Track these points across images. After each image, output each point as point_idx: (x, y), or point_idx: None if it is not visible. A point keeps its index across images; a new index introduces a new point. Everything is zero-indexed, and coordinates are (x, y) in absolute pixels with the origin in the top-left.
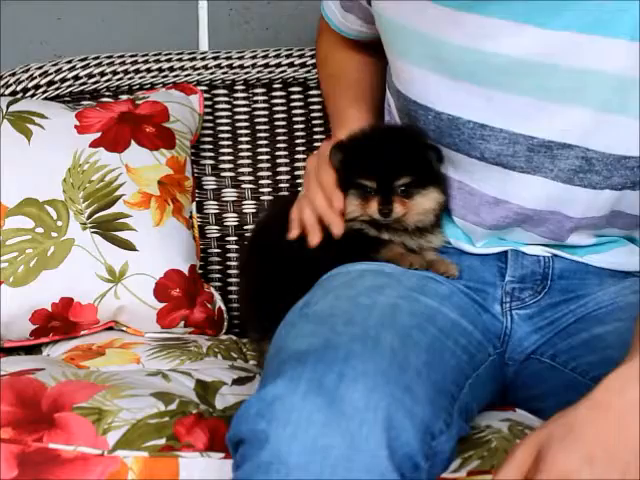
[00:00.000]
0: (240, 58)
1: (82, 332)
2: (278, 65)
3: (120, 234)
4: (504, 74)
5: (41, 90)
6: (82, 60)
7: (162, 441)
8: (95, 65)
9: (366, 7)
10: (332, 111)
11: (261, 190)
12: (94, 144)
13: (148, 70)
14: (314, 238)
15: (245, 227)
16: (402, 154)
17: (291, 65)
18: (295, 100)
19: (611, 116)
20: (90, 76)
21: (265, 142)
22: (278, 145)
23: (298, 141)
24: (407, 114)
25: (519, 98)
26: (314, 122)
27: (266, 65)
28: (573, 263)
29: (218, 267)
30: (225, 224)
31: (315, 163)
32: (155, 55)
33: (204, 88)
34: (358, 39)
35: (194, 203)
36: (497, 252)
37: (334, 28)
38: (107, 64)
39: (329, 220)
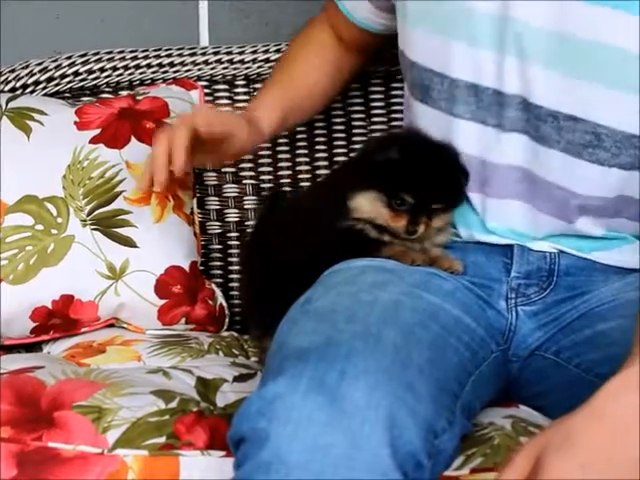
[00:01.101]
0: (241, 53)
1: (82, 329)
2: (279, 60)
3: (120, 231)
4: (520, 42)
5: (41, 86)
6: (82, 56)
7: (162, 439)
8: (95, 61)
9: None
10: (266, 88)
11: (262, 186)
12: (94, 140)
13: (148, 66)
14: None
15: (246, 223)
16: (445, 179)
17: None
18: None
19: (622, 93)
20: (90, 72)
21: None
22: (279, 140)
23: (299, 136)
24: (421, 85)
25: (533, 66)
26: (315, 117)
27: (267, 60)
28: (579, 260)
29: (219, 263)
30: (226, 220)
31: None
32: (155, 50)
33: (204, 83)
34: (361, 26)
35: (195, 199)
36: (503, 245)
37: (341, 8)
38: (107, 60)
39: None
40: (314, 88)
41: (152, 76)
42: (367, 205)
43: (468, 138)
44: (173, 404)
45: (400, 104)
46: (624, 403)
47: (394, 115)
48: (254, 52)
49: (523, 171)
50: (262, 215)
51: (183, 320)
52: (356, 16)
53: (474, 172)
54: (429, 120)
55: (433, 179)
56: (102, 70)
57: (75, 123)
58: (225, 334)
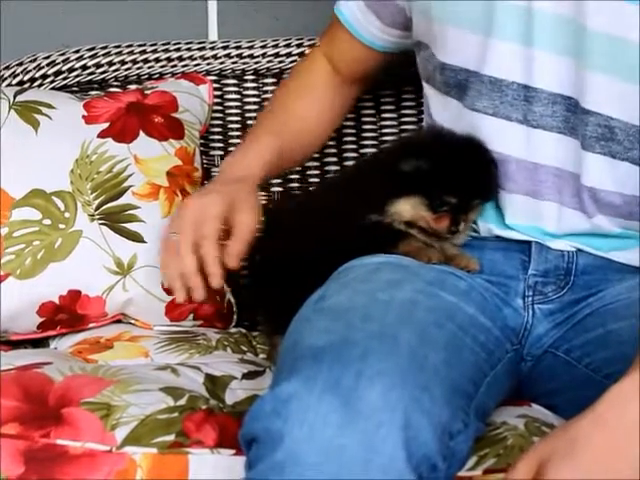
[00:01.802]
0: (250, 48)
1: (90, 325)
2: (289, 55)
3: (128, 226)
4: (543, 32)
5: (48, 80)
6: (90, 50)
7: (171, 437)
8: (103, 55)
9: (394, 2)
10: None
11: (271, 181)
12: (102, 135)
13: (157, 60)
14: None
15: None
16: (480, 174)
17: (301, 55)
18: None
19: (636, 86)
20: (98, 66)
21: None
22: None
23: None
24: (455, 86)
25: (558, 58)
26: None
27: (276, 55)
28: (597, 259)
29: None
30: None
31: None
32: (164, 45)
33: (213, 78)
34: (369, 45)
35: None
36: (521, 242)
37: (347, 26)
38: (115, 54)
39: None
40: (307, 137)
41: (160, 70)
42: (409, 210)
43: (508, 137)
44: (182, 401)
45: (410, 106)
46: (628, 410)
47: (404, 119)
48: (263, 47)
49: (555, 168)
50: (271, 214)
51: (191, 316)
52: (364, 34)
53: (511, 171)
54: (462, 118)
55: (471, 176)
56: (110, 64)
57: (83, 117)
58: (233, 330)
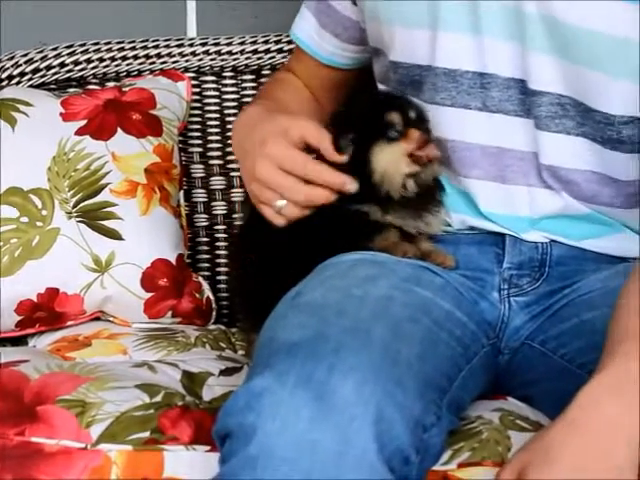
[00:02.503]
0: (228, 44)
1: (68, 323)
2: (267, 51)
3: (106, 223)
4: (490, 20)
5: (26, 78)
6: (68, 47)
7: (146, 434)
8: (81, 52)
9: (344, 13)
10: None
11: None
12: (80, 132)
13: (135, 57)
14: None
15: (234, 215)
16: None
17: (280, 51)
18: None
19: (586, 70)
20: (76, 63)
21: None
22: None
23: None
24: (410, 83)
25: (506, 43)
26: None
27: (255, 51)
28: (571, 249)
29: (206, 256)
30: (213, 212)
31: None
32: (142, 42)
33: (192, 75)
34: (329, 64)
35: (182, 191)
36: (495, 234)
37: (306, 49)
38: (94, 51)
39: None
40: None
41: (139, 67)
42: (388, 158)
43: (469, 125)
44: (158, 398)
45: None
46: (599, 411)
47: None
48: (242, 43)
49: (518, 151)
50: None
51: (170, 313)
52: (322, 53)
53: (459, 160)
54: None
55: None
56: (88, 61)
57: (61, 114)
58: (212, 327)
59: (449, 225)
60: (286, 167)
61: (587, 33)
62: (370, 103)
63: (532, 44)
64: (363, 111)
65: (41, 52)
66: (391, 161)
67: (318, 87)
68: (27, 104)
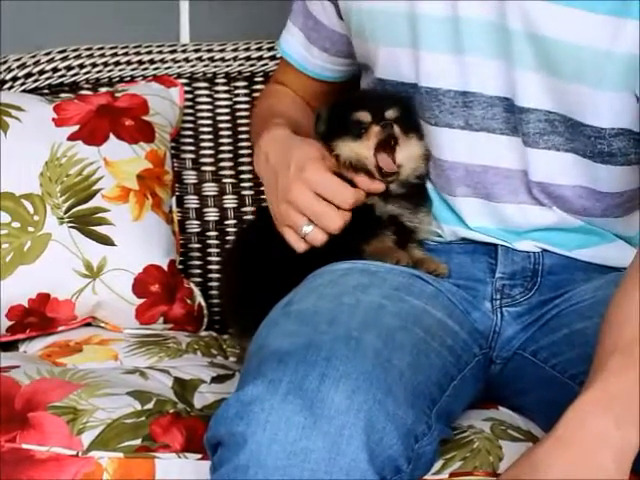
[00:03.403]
0: (221, 51)
1: (59, 328)
2: (260, 58)
3: (98, 229)
4: (472, 38)
5: (19, 82)
6: (61, 52)
7: (138, 441)
8: (74, 57)
9: (332, 27)
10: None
11: (242, 185)
12: (72, 137)
13: (128, 62)
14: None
15: (226, 222)
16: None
17: (273, 58)
18: None
19: (572, 85)
20: (69, 68)
21: (246, 136)
22: None
23: None
24: None
25: (489, 61)
26: None
27: (248, 58)
28: (562, 258)
29: (198, 262)
30: (205, 219)
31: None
32: (135, 47)
33: (185, 81)
34: (319, 78)
35: (174, 197)
36: (487, 244)
37: (294, 64)
38: (86, 56)
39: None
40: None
41: (132, 73)
42: (350, 149)
43: (453, 144)
44: (149, 405)
45: None
46: (586, 428)
47: None
48: (235, 50)
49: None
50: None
51: (161, 319)
52: (309, 67)
53: (444, 178)
54: None
55: (375, 94)
56: (81, 66)
57: (53, 120)
58: (204, 334)
59: (440, 236)
60: (324, 194)
61: (571, 47)
62: (350, 101)
63: (519, 61)
64: (340, 109)
65: (34, 57)
66: (354, 156)
67: (310, 97)
68: (19, 109)
